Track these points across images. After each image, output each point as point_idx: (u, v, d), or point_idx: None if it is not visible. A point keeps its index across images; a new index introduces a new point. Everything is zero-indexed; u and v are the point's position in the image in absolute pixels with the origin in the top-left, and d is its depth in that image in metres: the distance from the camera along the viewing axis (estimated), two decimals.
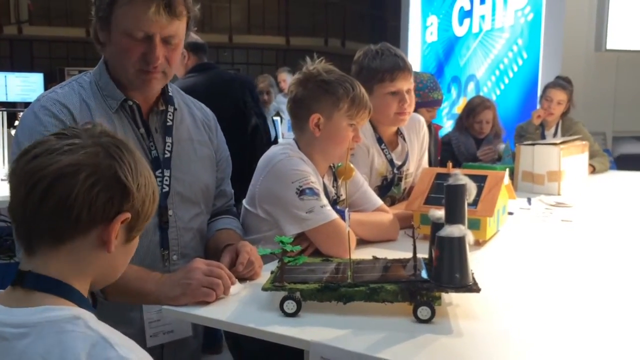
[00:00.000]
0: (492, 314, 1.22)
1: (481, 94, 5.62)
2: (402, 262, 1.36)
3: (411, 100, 2.04)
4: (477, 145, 3.48)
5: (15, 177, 0.89)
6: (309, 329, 1.13)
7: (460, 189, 1.24)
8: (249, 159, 3.51)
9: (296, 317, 1.18)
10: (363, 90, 1.68)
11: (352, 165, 1.28)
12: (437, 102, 3.09)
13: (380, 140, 2.07)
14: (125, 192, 0.90)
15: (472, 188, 1.27)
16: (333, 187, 1.79)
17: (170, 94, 1.51)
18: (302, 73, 1.69)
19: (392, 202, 2.11)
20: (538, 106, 5.03)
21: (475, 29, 5.78)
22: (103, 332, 0.83)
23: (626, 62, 4.86)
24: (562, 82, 3.85)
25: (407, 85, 2.03)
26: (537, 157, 2.69)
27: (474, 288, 1.15)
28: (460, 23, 5.98)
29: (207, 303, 1.24)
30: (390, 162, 2.07)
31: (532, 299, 1.32)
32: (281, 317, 1.18)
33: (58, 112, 1.34)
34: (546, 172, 2.67)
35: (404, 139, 2.17)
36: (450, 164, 1.93)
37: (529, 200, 2.45)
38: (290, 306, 1.19)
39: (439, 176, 1.90)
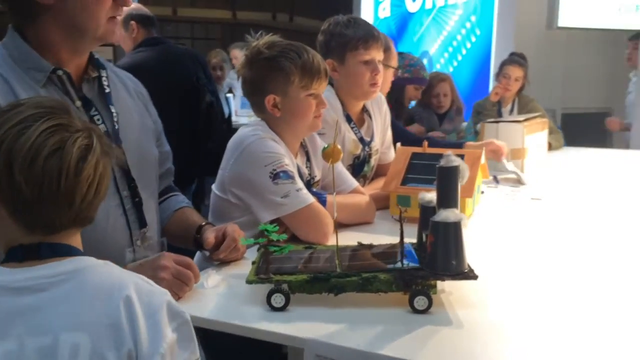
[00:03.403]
0: (488, 301, 1.17)
1: (434, 70, 5.64)
2: (391, 248, 1.30)
3: (382, 73, 1.96)
4: (440, 121, 3.46)
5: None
6: (301, 325, 1.05)
7: (453, 171, 1.18)
8: (204, 137, 3.41)
9: (285, 311, 1.10)
10: (313, 53, 1.57)
11: (339, 147, 1.20)
12: (425, 82, 3.05)
13: (349, 118, 1.99)
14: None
15: (464, 169, 1.21)
16: (306, 167, 1.70)
17: (96, 56, 1.34)
18: (246, 54, 1.59)
19: (363, 182, 2.04)
20: (491, 83, 5.09)
21: (428, 5, 5.74)
22: (134, 273, 0.91)
23: (576, 40, 4.94)
24: (518, 59, 3.86)
25: (379, 55, 1.95)
26: (502, 135, 2.67)
27: (471, 275, 1.10)
28: None
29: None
30: (361, 139, 2.00)
31: (525, 282, 1.29)
32: (268, 312, 1.10)
33: None
34: (510, 149, 2.67)
35: (370, 116, 2.10)
36: (426, 143, 1.88)
37: (495, 178, 2.44)
38: (278, 300, 1.10)
39: (415, 156, 1.84)
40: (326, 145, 1.23)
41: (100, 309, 0.82)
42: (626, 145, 4.12)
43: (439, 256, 1.11)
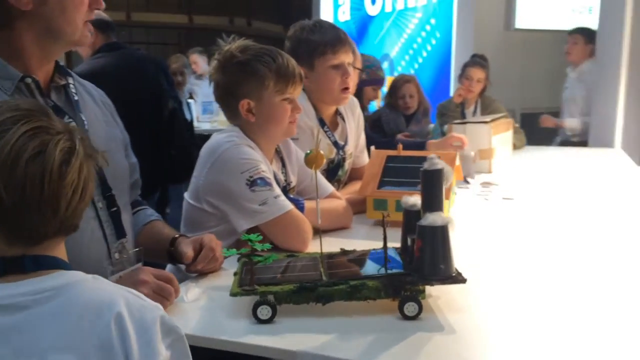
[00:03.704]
0: (475, 304, 1.16)
1: (396, 73, 5.68)
2: (362, 256, 1.28)
3: (353, 75, 1.94)
4: (407, 122, 3.47)
5: None
6: (290, 337, 1.02)
7: (437, 174, 1.16)
8: (167, 145, 3.32)
9: (271, 323, 1.06)
10: (287, 57, 1.54)
11: (322, 152, 1.17)
12: (382, 81, 3.04)
13: (322, 122, 1.96)
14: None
15: (448, 172, 1.20)
16: (282, 173, 1.67)
17: (62, 64, 1.29)
18: (217, 59, 1.54)
19: (337, 186, 2.02)
20: (452, 84, 5.16)
21: (388, 9, 5.79)
22: (124, 287, 0.85)
23: (533, 41, 5.04)
24: (479, 61, 3.92)
25: (348, 58, 1.93)
26: (469, 136, 2.69)
27: (459, 279, 1.09)
28: (373, 2, 5.96)
29: None
30: (335, 144, 1.98)
31: (510, 283, 1.28)
32: (255, 325, 1.06)
33: None
34: (478, 150, 2.69)
35: (343, 119, 2.07)
36: (400, 146, 1.87)
37: (465, 178, 2.45)
38: (264, 312, 1.07)
39: (390, 159, 1.83)
40: (309, 151, 1.20)
41: (89, 329, 0.77)
42: (584, 144, 4.22)
43: (427, 261, 1.09)
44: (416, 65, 5.52)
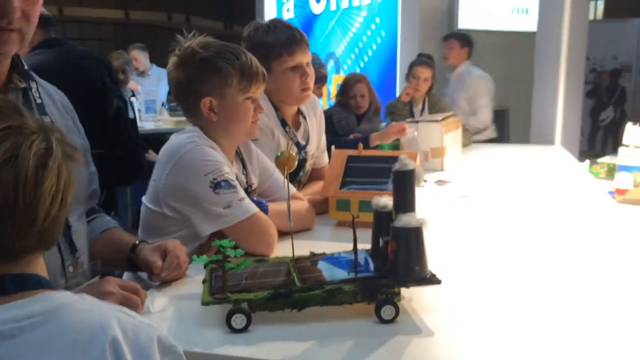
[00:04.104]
0: (448, 304, 1.16)
1: (342, 72, 5.69)
2: (347, 257, 1.26)
3: (312, 74, 1.91)
4: (358, 121, 3.47)
5: None
6: (267, 346, 0.98)
7: (409, 175, 1.16)
8: (113, 146, 3.19)
9: (246, 332, 1.03)
10: (250, 56, 1.50)
11: (294, 154, 1.14)
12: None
13: (284, 122, 1.92)
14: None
15: (420, 173, 1.20)
16: (243, 174, 1.62)
17: (26, 67, 1.20)
18: (177, 55, 1.48)
19: (297, 187, 1.99)
20: (398, 83, 5.22)
21: (332, 7, 5.79)
22: (112, 304, 0.79)
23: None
24: (426, 60, 3.98)
25: (306, 58, 1.90)
26: (422, 135, 2.73)
27: (434, 280, 1.08)
28: (317, 0, 5.96)
29: None
30: (297, 144, 1.95)
31: (478, 281, 1.30)
32: (229, 335, 1.02)
33: None
34: (430, 148, 2.73)
35: (305, 118, 2.04)
36: (361, 146, 1.86)
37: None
38: (238, 321, 1.03)
39: (351, 159, 1.82)
40: (279, 153, 1.17)
41: (83, 357, 0.69)
42: (526, 140, 4.37)
43: (402, 263, 1.08)
44: (362, 64, 5.56)
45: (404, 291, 1.15)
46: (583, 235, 1.68)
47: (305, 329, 1.04)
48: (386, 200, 1.22)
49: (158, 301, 1.15)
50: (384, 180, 1.73)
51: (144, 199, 1.52)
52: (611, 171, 3.14)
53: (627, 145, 3.05)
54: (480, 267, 1.40)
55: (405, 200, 1.14)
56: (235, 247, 1.08)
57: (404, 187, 1.15)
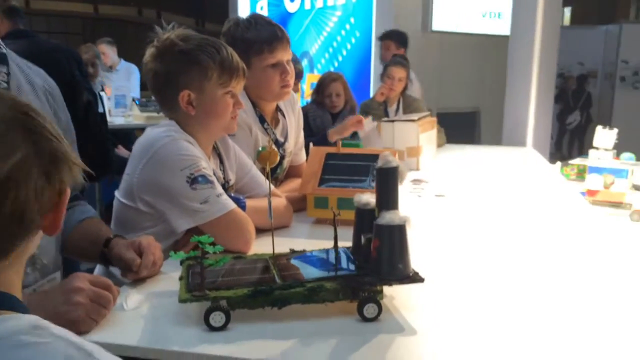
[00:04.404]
0: (432, 303, 1.15)
1: (315, 71, 5.67)
2: (327, 255, 1.24)
3: (292, 71, 1.88)
4: (333, 120, 3.45)
5: None
6: (247, 345, 0.95)
7: (392, 172, 1.14)
8: (81, 139, 3.12)
9: (225, 330, 1.00)
10: (230, 51, 1.47)
11: (276, 150, 1.12)
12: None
13: (262, 119, 1.89)
14: (58, 164, 0.70)
15: (403, 170, 1.18)
16: (220, 170, 1.59)
17: (3, 50, 1.16)
18: (155, 46, 1.44)
19: (275, 184, 1.96)
20: (372, 83, 5.23)
21: (307, 6, 5.77)
22: (74, 339, 0.65)
23: (449, 43, 5.22)
24: (401, 60, 3.98)
25: (286, 55, 1.87)
26: (397, 134, 2.73)
27: (417, 278, 1.07)
28: None
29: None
30: (275, 141, 1.91)
31: (457, 279, 1.29)
32: (207, 333, 0.99)
33: None
34: (406, 148, 2.73)
35: (284, 115, 2.01)
36: (339, 143, 1.84)
37: None
38: (217, 319, 0.99)
39: (329, 156, 1.80)
40: (260, 148, 1.14)
41: None
42: (497, 142, 4.42)
43: (385, 260, 1.07)
44: (336, 64, 5.55)
45: (385, 289, 1.14)
46: (560, 235, 1.69)
47: (286, 327, 1.01)
48: (368, 198, 1.21)
49: (132, 298, 1.11)
50: (362, 178, 1.72)
51: (116, 193, 1.47)
52: (581, 173, 3.19)
53: (597, 148, 3.11)
54: (461, 266, 1.39)
55: (388, 198, 1.13)
56: (213, 244, 1.05)
57: (387, 184, 1.13)
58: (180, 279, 1.11)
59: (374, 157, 1.78)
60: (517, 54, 3.96)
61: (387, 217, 1.08)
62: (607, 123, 3.53)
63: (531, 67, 3.83)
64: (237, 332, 0.99)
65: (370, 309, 1.04)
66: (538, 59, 3.87)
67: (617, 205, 2.76)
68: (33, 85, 1.22)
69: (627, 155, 3.03)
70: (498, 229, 1.74)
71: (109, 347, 0.95)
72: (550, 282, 1.29)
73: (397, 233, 1.07)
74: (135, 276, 1.20)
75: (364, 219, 1.19)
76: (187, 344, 0.95)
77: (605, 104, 9.46)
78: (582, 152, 9.41)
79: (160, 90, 1.46)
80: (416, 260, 1.09)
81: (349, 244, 1.25)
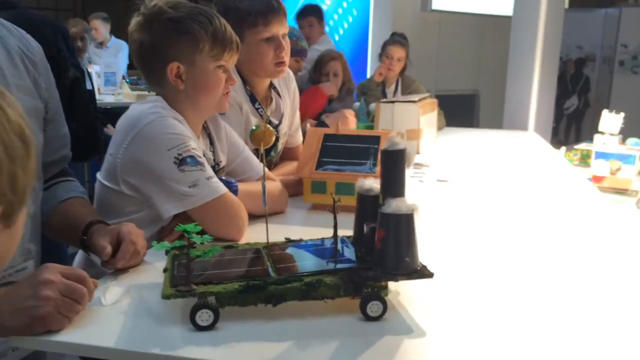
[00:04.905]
0: (439, 299, 1.05)
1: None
2: (326, 245, 1.13)
3: (287, 47, 1.76)
4: (329, 101, 3.32)
5: None
6: (237, 347, 0.85)
7: (399, 155, 1.03)
8: (69, 119, 2.99)
9: (213, 330, 0.90)
10: (224, 22, 1.35)
11: (271, 128, 1.01)
12: (305, 52, 2.86)
13: (253, 98, 1.77)
14: None
15: (411, 153, 1.08)
16: (210, 151, 1.47)
17: None
18: (142, 14, 1.32)
19: (269, 167, 1.84)
20: (369, 63, 5.10)
21: None
22: None
23: (448, 22, 5.08)
24: (400, 39, 3.86)
25: (282, 29, 1.74)
26: (397, 116, 2.61)
27: (426, 273, 0.97)
28: None
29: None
30: (268, 122, 1.79)
31: (472, 275, 1.19)
32: (193, 333, 0.89)
33: None
34: (406, 130, 2.61)
35: (278, 94, 1.89)
36: (338, 124, 1.73)
37: None
38: (205, 317, 0.89)
39: (328, 138, 1.69)
40: (254, 127, 1.03)
41: None
42: (496, 125, 4.32)
43: (390, 253, 0.97)
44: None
45: (390, 284, 1.04)
46: (573, 224, 1.60)
47: (282, 327, 0.91)
48: (371, 183, 1.10)
49: (111, 292, 1.01)
50: (363, 161, 1.61)
51: (98, 175, 1.36)
52: (584, 158, 3.11)
53: (602, 133, 3.01)
54: (470, 258, 1.29)
55: (394, 184, 1.02)
56: (202, 233, 0.94)
57: (394, 168, 1.03)
58: (165, 271, 1.01)
59: (376, 139, 1.67)
60: (520, 35, 3.84)
61: (393, 205, 0.98)
62: (605, 108, 3.44)
63: (535, 48, 3.72)
64: (226, 333, 0.89)
65: (374, 307, 0.94)
66: (542, 40, 3.76)
67: (622, 192, 2.67)
68: (8, 49, 1.09)
69: (633, 141, 2.93)
70: (507, 217, 1.65)
71: (81, 349, 0.85)
72: (564, 277, 1.19)
73: (405, 223, 0.97)
74: (114, 266, 1.09)
75: (367, 206, 1.09)
76: (170, 345, 0.85)
77: (603, 88, 9.38)
78: (579, 137, 9.33)
79: (147, 62, 1.34)
80: (422, 252, 0.99)
81: (350, 232, 1.15)
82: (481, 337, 0.91)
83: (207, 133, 1.49)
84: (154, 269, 1.12)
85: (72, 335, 0.87)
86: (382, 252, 0.97)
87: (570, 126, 9.60)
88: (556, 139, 8.65)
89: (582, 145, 2.99)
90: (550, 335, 0.92)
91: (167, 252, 1.07)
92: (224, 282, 0.93)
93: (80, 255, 1.39)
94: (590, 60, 9.79)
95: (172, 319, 0.92)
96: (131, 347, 0.85)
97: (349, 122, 2.30)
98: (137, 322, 0.92)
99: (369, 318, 0.94)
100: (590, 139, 3.20)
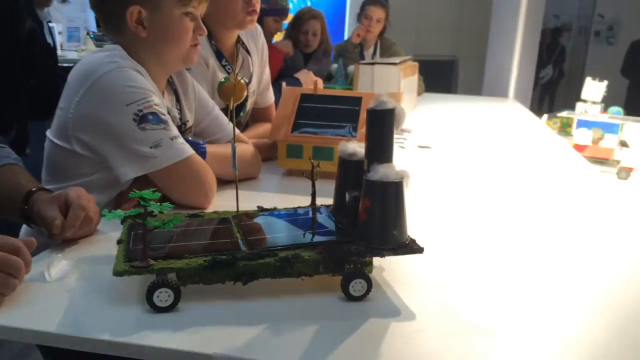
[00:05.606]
0: (428, 275, 0.95)
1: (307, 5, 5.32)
2: (303, 215, 1.02)
3: None
4: (305, 61, 3.18)
5: None
6: (202, 332, 0.74)
7: (387, 115, 0.92)
8: (24, 73, 2.79)
9: (174, 311, 0.78)
10: None
11: (242, 81, 0.88)
12: (286, 12, 2.69)
13: (220, 54, 1.62)
14: None
15: (401, 113, 0.96)
16: (176, 109, 1.34)
17: None
18: None
19: (239, 129, 1.71)
20: (347, 24, 4.93)
21: None
22: None
23: None
24: (380, 0, 3.71)
25: None
26: (377, 78, 2.49)
27: (415, 248, 0.87)
28: None
29: None
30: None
31: (456, 246, 1.09)
32: (150, 316, 0.77)
33: None
34: (385, 94, 2.49)
35: (247, 50, 1.74)
36: (317, 83, 1.60)
37: None
38: (163, 297, 0.77)
39: (304, 98, 1.56)
40: (223, 79, 0.90)
41: None
42: (474, 92, 4.23)
43: (376, 226, 0.86)
44: (308, 2, 5.21)
45: (375, 261, 0.93)
46: (561, 193, 1.52)
47: (253, 308, 0.80)
48: (355, 147, 0.99)
49: (56, 266, 0.88)
50: (342, 124, 1.50)
51: (48, 132, 1.22)
52: (564, 127, 3.04)
53: (585, 101, 2.94)
54: (457, 229, 1.20)
55: (381, 148, 0.91)
56: (162, 200, 0.82)
57: (381, 130, 0.91)
58: (119, 242, 0.88)
59: (357, 100, 1.55)
60: (502, 3, 3.72)
61: (380, 172, 0.86)
62: (579, 78, 3.36)
63: (518, 14, 3.60)
64: (188, 316, 0.77)
65: (357, 286, 0.84)
66: (525, 5, 3.64)
67: (603, 161, 2.62)
68: None
69: (615, 109, 2.87)
70: (494, 185, 1.56)
71: (17, 333, 0.73)
72: (562, 244, 1.11)
73: (393, 191, 0.86)
74: (62, 237, 0.96)
75: (349, 173, 0.98)
76: (122, 330, 0.73)
77: (578, 58, 9.34)
78: (553, 107, 9.33)
79: (103, 5, 1.19)
80: (411, 225, 0.89)
81: (329, 201, 1.04)
82: (474, 317, 0.81)
83: (172, 89, 1.34)
84: (108, 240, 0.99)
85: (6, 317, 0.75)
86: (366, 224, 0.86)
87: (544, 96, 9.59)
88: (530, 108, 8.65)
89: (565, 113, 2.92)
90: (543, 309, 0.83)
91: (122, 222, 0.94)
92: (187, 257, 0.81)
93: (24, 229, 1.25)
94: (566, 30, 9.74)
95: (126, 300, 0.80)
96: (77, 333, 0.72)
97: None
98: (85, 303, 0.80)
99: (351, 298, 0.84)
100: (564, 109, 3.13)
